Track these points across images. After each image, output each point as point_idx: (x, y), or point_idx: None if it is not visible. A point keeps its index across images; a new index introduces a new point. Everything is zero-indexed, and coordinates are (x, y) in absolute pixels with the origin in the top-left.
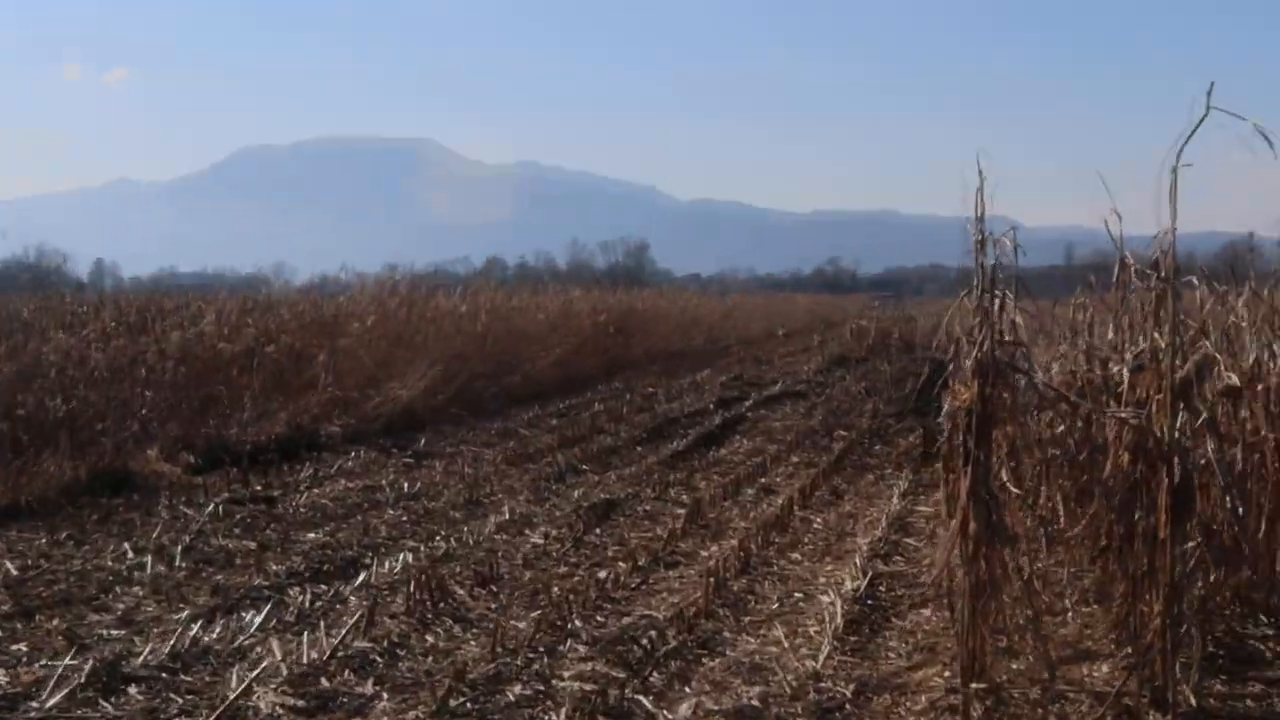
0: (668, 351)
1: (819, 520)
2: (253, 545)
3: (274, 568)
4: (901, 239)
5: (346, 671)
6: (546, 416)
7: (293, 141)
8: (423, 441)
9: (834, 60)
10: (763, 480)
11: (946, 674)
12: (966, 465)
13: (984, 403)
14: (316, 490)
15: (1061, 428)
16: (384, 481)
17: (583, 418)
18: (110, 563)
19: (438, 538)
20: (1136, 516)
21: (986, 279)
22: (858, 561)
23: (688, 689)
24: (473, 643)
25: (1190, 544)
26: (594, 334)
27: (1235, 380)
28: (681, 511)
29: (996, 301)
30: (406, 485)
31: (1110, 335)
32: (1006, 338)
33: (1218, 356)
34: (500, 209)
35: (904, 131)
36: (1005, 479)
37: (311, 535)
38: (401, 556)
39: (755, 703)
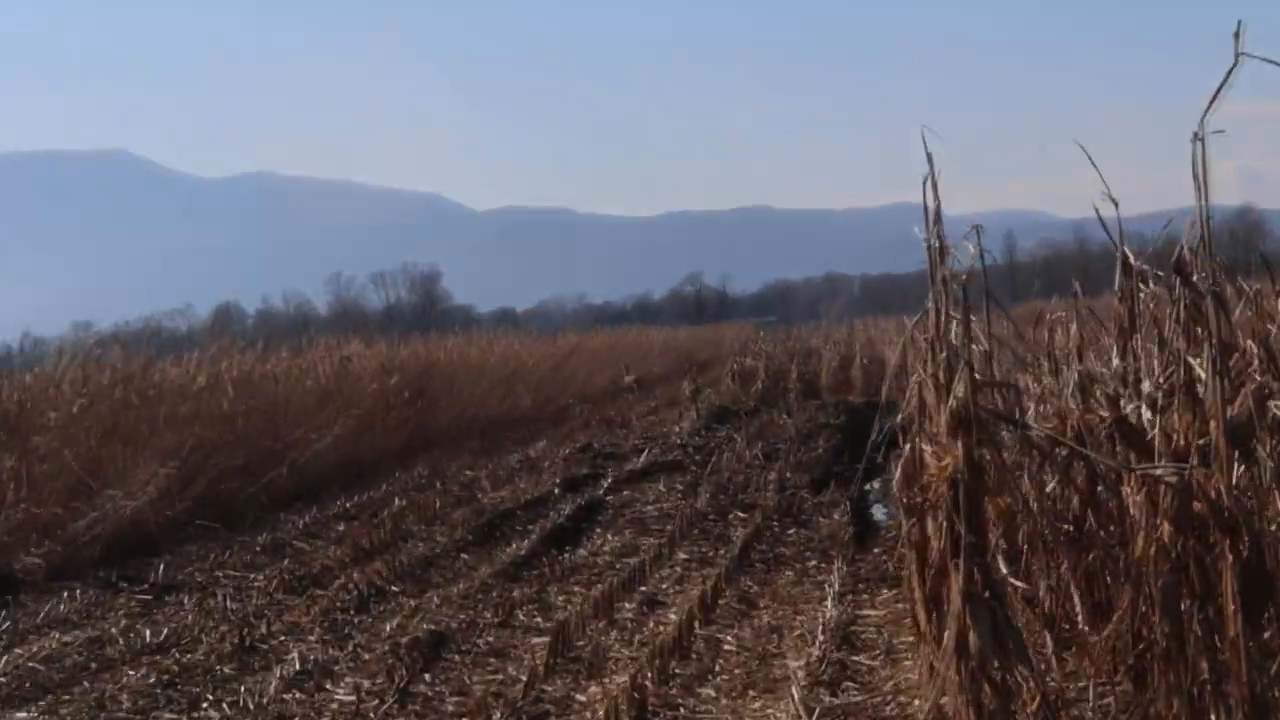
0: (486, 418)
1: (730, 639)
2: None
3: None
4: (781, 243)
5: None
6: (330, 520)
7: None
8: (161, 569)
9: (645, 12)
10: (643, 589)
11: None
12: (957, 557)
13: (972, 470)
14: (19, 650)
15: (1053, 492)
16: (114, 629)
17: (380, 519)
18: None
19: (205, 704)
20: (1184, 607)
21: (947, 300)
22: (795, 694)
23: None
24: None
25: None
26: (383, 402)
27: None
28: (539, 641)
29: (955, 326)
30: (148, 633)
31: (1115, 362)
32: (985, 376)
33: (1274, 385)
34: (224, 233)
35: (773, 104)
36: (1004, 570)
37: (21, 715)
38: None
39: None
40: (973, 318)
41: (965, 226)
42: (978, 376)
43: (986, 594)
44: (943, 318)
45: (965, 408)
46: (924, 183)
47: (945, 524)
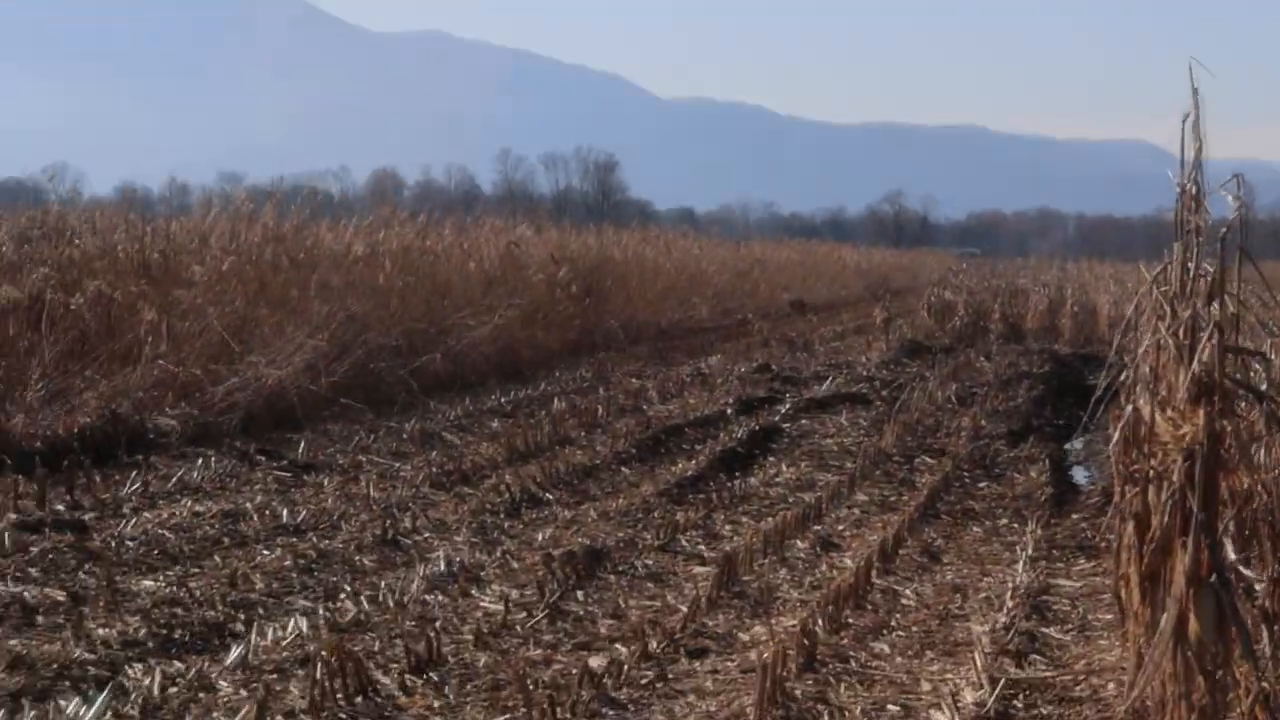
0: (658, 325)
1: (910, 593)
2: (62, 596)
3: (100, 631)
4: (992, 169)
5: None
6: (484, 415)
7: None
8: (302, 446)
9: None
10: (817, 528)
11: None
12: (1185, 535)
13: (1212, 443)
14: (149, 514)
15: None
16: (249, 504)
17: (539, 419)
18: None
19: (342, 595)
20: None
21: (1198, 252)
22: (977, 660)
23: None
24: None
25: None
26: (550, 295)
27: None
28: (703, 570)
29: (1204, 282)
30: (285, 512)
31: None
32: (1233, 341)
33: None
34: (387, 93)
35: (997, 19)
36: (1232, 555)
37: (149, 583)
38: (291, 623)
39: None
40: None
41: (1206, 173)
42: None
43: (1214, 578)
44: (1190, 272)
45: (1210, 374)
46: (1183, 121)
47: (1176, 497)
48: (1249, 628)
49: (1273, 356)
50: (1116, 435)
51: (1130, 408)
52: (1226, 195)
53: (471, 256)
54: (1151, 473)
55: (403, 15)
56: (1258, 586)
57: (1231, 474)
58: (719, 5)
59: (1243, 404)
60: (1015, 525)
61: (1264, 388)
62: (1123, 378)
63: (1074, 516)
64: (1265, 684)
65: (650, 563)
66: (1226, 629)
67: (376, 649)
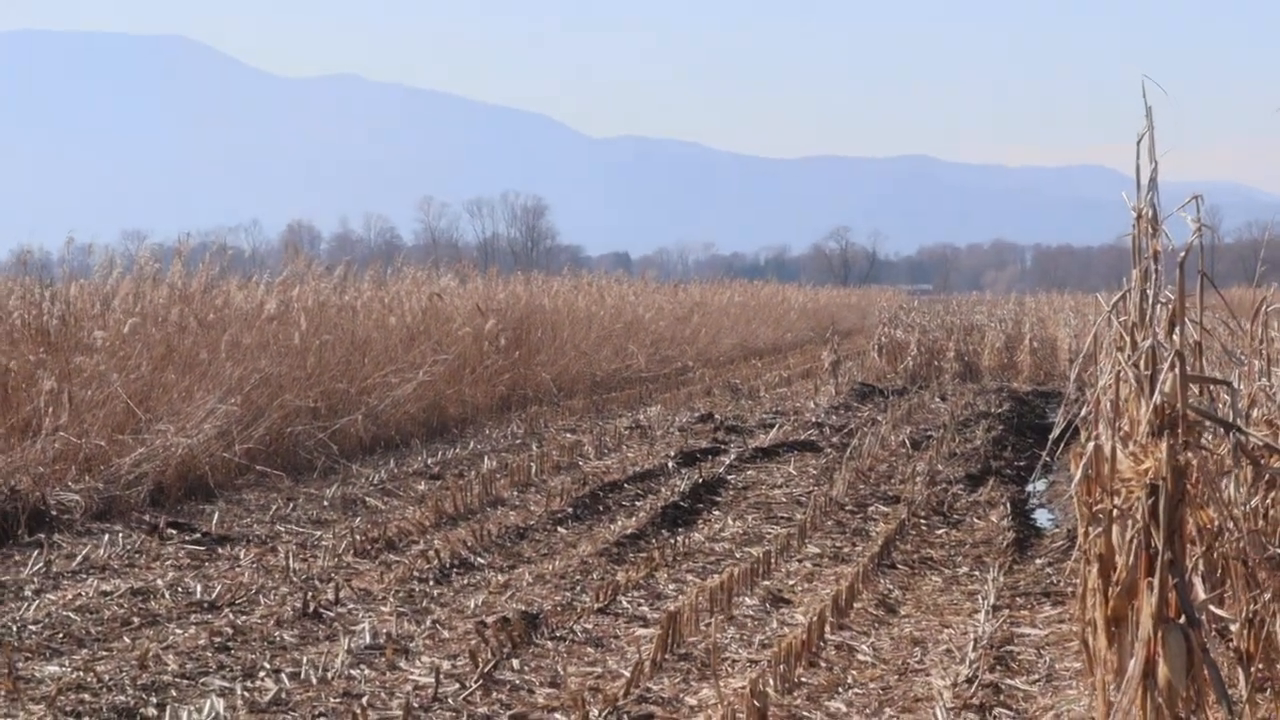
0: (594, 377)
1: (866, 648)
2: None
3: None
4: (942, 201)
5: None
6: (410, 477)
7: None
8: (216, 517)
9: None
10: (767, 583)
11: None
12: (1150, 574)
13: (1175, 477)
14: (52, 595)
15: (1259, 507)
16: (160, 581)
17: (468, 480)
18: None
19: (261, 673)
20: None
21: (1156, 279)
22: (939, 715)
23: None
24: None
25: None
26: (477, 348)
27: None
28: (646, 632)
29: (1164, 310)
30: (199, 588)
31: None
32: (1196, 369)
33: None
34: (298, 143)
35: (939, 47)
36: (1202, 593)
37: (54, 669)
38: (208, 705)
39: None
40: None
41: (1170, 196)
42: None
43: (1182, 619)
44: (1149, 299)
45: (1172, 404)
46: (1138, 141)
47: (1139, 536)
48: (1220, 670)
49: (1240, 385)
50: (1078, 473)
51: (1091, 444)
52: (1186, 218)
53: (392, 310)
54: (1116, 511)
55: (312, 60)
56: (1232, 628)
57: (1199, 509)
58: (647, 40)
59: (1210, 436)
60: (976, 573)
61: (1231, 418)
62: (1083, 413)
63: (1038, 561)
64: None
65: (590, 626)
66: (1198, 672)
67: None
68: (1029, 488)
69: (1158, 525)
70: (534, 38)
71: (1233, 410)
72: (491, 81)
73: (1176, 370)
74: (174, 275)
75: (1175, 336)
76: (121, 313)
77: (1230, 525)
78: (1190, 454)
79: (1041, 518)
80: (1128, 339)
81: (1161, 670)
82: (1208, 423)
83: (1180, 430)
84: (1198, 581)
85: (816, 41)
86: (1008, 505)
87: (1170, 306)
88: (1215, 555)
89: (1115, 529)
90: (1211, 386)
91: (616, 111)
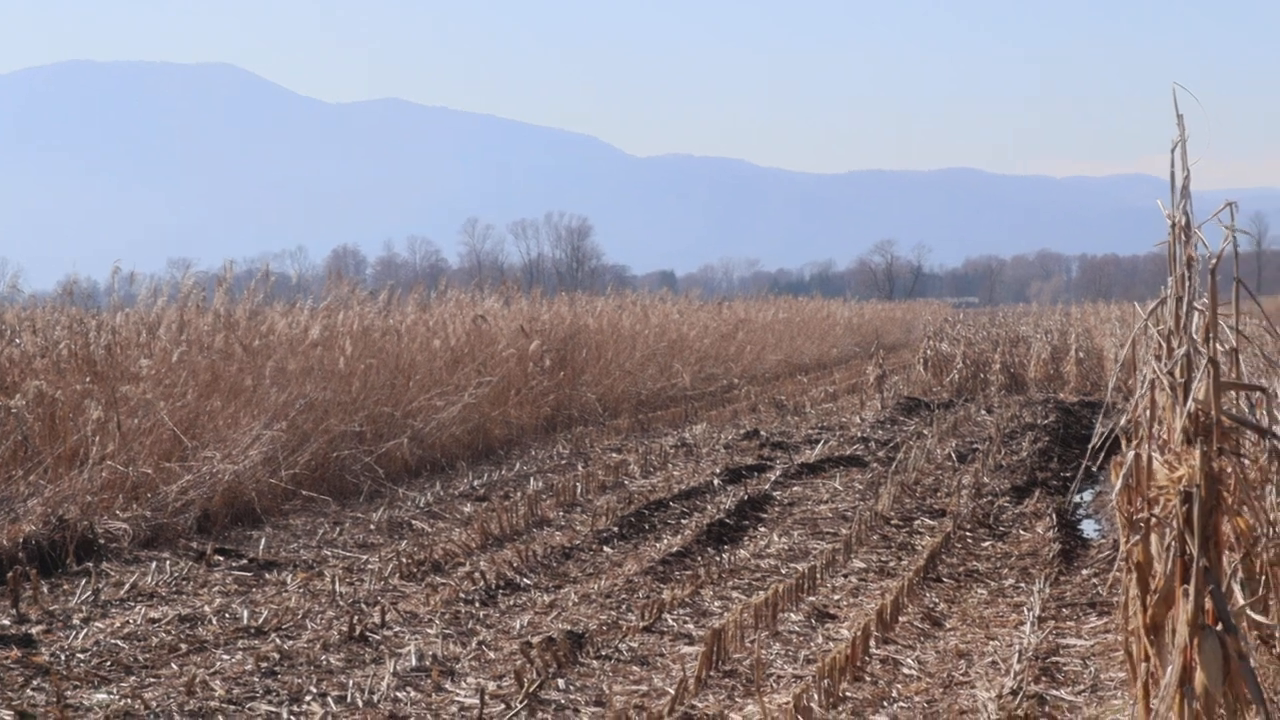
0: (637, 395)
1: (911, 662)
2: (10, 715)
3: None
4: (988, 213)
5: None
6: (455, 500)
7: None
8: (263, 543)
9: None
10: (812, 599)
11: None
12: (1185, 581)
13: (1209, 483)
14: (100, 623)
15: None
16: (208, 607)
17: (514, 501)
18: None
19: (308, 697)
20: None
21: (1190, 285)
22: None
23: None
24: None
25: None
26: (521, 370)
27: None
28: (691, 650)
29: (1197, 317)
30: (246, 614)
31: None
32: (1232, 376)
33: None
34: (343, 167)
35: (984, 59)
36: (1241, 599)
37: (101, 696)
38: None
39: None
40: (1219, 309)
41: (1212, 204)
42: (1221, 376)
43: (1219, 626)
44: (1184, 306)
45: (1206, 411)
46: (1172, 149)
47: (1174, 543)
48: (1265, 677)
49: (1278, 390)
50: (1119, 483)
51: (1131, 453)
52: (1220, 224)
53: (436, 334)
54: (1153, 519)
55: (357, 85)
56: (1277, 634)
57: (1235, 516)
58: (690, 59)
59: (1248, 443)
60: (1022, 584)
61: (1267, 424)
62: (1123, 422)
63: (1084, 572)
64: None
65: (635, 645)
66: (1235, 678)
67: None
68: (1076, 499)
69: (1192, 532)
70: (578, 58)
71: (1268, 416)
72: (536, 103)
73: (1210, 376)
74: (218, 302)
75: (1213, 344)
76: (167, 340)
77: (1267, 532)
78: (1225, 461)
79: (1088, 528)
80: (1164, 346)
81: (1199, 677)
82: (1246, 430)
83: (1215, 437)
84: (1236, 588)
85: (861, 57)
86: (1053, 516)
87: (1204, 314)
88: (1257, 563)
89: (1154, 537)
90: (1256, 394)
91: (662, 130)
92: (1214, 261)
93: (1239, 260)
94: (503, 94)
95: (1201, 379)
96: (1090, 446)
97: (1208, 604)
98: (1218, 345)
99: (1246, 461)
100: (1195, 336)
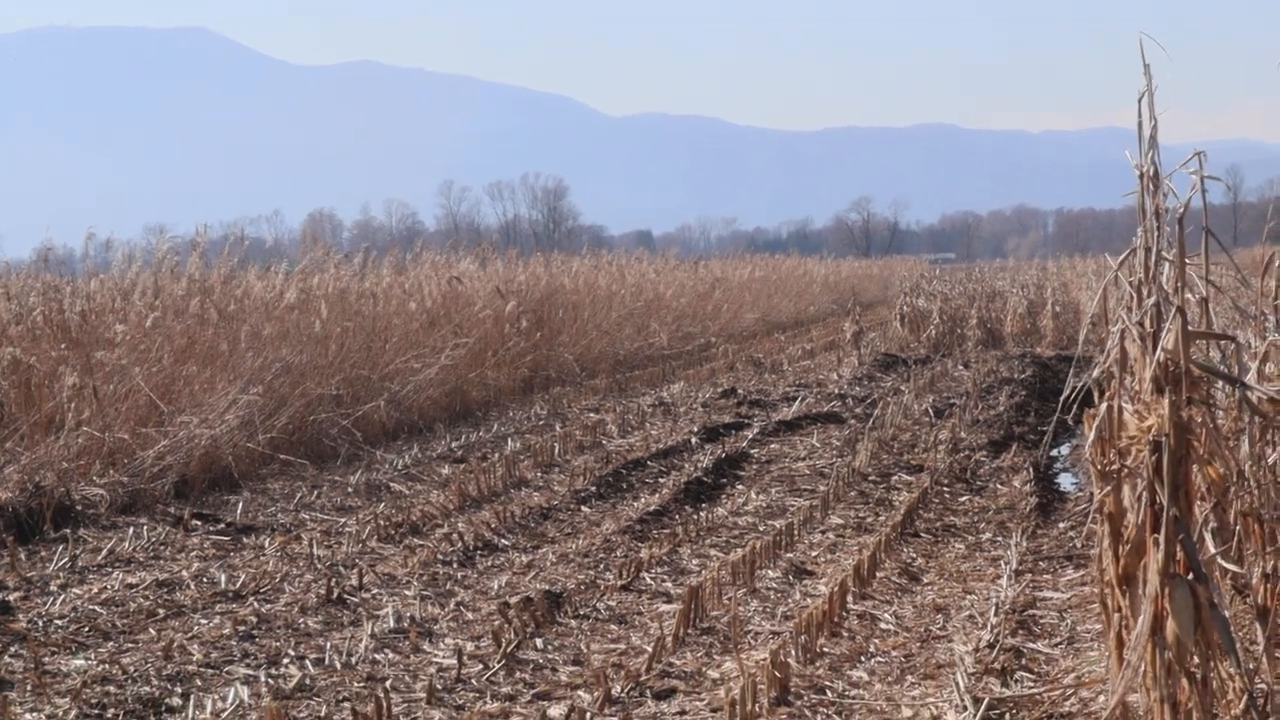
0: (614, 355)
1: (889, 616)
2: None
3: (27, 717)
4: (968, 168)
5: None
6: (433, 462)
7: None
8: (240, 507)
9: None
10: (790, 555)
11: None
12: (1156, 531)
13: (1178, 433)
14: (78, 589)
15: (1274, 463)
16: (185, 572)
17: (492, 462)
18: None
19: (286, 660)
20: None
21: (1159, 236)
22: (960, 681)
23: None
24: None
25: None
26: (498, 331)
27: None
28: (669, 608)
29: (1167, 267)
30: (224, 577)
31: None
32: (1203, 326)
33: None
34: (319, 130)
35: (959, 13)
36: (1213, 549)
37: (79, 662)
38: (231, 693)
39: None
40: (1188, 259)
41: (1185, 155)
42: (1191, 326)
43: (1190, 575)
44: (1153, 257)
45: (1174, 360)
46: (1139, 99)
47: (1145, 493)
48: (1229, 624)
49: (1253, 340)
50: (1091, 434)
51: (1104, 405)
52: (1189, 174)
53: (412, 296)
54: (1124, 470)
55: (333, 48)
56: (1254, 583)
57: (1206, 465)
58: (663, 15)
59: (1221, 394)
60: (999, 538)
61: (1235, 373)
62: (1095, 373)
63: (1061, 525)
64: (1261, 683)
65: (613, 604)
66: (1206, 627)
67: (323, 714)
68: (1053, 453)
69: (1161, 481)
70: (552, 18)
71: (1238, 365)
72: (511, 64)
73: (1178, 326)
74: (193, 267)
75: (1179, 293)
76: (142, 306)
77: (1239, 482)
78: (1195, 410)
79: (1065, 482)
80: (1134, 296)
81: (1170, 626)
82: (1219, 381)
83: (1184, 386)
84: (1208, 537)
85: (837, 12)
86: (1030, 470)
87: (1173, 264)
88: (1231, 512)
89: (1125, 488)
90: (1221, 342)
91: (637, 90)
92: (1181, 211)
93: (1210, 212)
94: (478, 56)
95: (1170, 328)
96: (1063, 399)
97: (1179, 554)
98: (1188, 295)
99: (1220, 412)
100: (1165, 287)
